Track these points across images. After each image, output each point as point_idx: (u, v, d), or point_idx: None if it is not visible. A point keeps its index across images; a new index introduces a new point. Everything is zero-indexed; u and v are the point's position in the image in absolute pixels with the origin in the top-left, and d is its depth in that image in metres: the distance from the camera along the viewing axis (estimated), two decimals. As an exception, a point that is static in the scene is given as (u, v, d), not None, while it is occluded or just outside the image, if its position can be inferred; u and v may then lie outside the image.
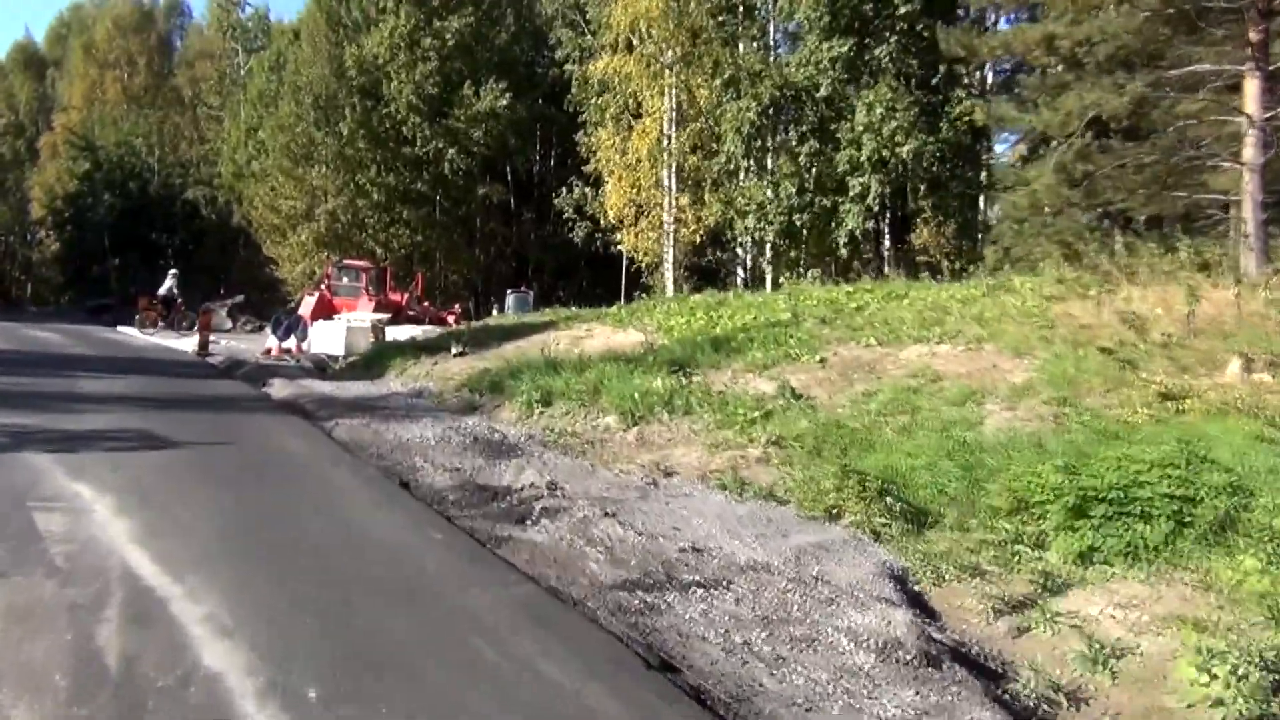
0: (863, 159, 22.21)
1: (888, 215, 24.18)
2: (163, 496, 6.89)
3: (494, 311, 35.99)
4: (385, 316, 25.89)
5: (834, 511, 7.29)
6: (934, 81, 23.25)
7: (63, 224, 54.93)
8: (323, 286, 27.78)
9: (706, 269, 35.65)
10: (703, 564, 6.02)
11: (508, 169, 46.86)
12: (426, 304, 31.27)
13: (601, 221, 33.01)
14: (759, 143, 24.05)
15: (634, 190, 27.56)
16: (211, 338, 23.75)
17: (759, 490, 8.00)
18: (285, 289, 41.46)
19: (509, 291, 36.90)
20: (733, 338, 14.54)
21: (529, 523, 6.93)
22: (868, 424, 9.72)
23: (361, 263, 30.59)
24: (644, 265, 31.65)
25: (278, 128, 40.07)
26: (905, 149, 21.72)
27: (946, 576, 6.11)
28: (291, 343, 22.19)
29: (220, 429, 10.40)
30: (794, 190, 23.49)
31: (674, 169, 27.43)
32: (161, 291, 31.69)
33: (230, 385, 15.53)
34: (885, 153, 22.00)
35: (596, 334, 17.27)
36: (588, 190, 33.53)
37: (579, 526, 6.75)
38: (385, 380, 16.45)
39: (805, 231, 24.04)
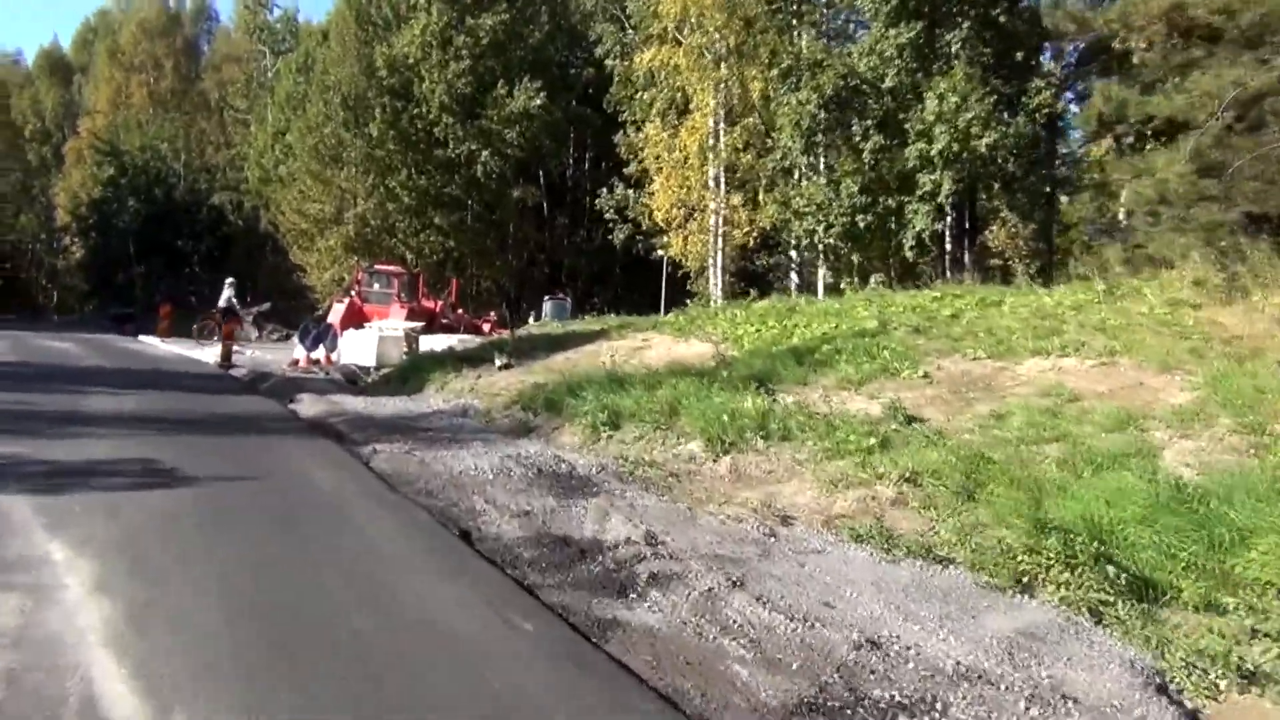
0: (934, 153, 20.48)
1: (954, 215, 22.40)
2: (159, 562, 5.32)
3: (530, 319, 34.46)
4: (419, 325, 24.42)
5: (1024, 579, 5.63)
6: (1008, 69, 21.51)
7: (87, 230, 53.94)
8: (352, 293, 26.34)
9: (752, 274, 34.04)
10: (892, 668, 4.38)
11: (540, 172, 45.46)
12: (461, 311, 29.80)
13: (644, 224, 31.48)
14: (819, 138, 22.37)
15: (683, 190, 25.91)
16: (235, 347, 22.33)
17: (910, 545, 6.34)
18: (313, 296, 40.15)
19: (546, 298, 35.38)
20: (815, 349, 12.89)
21: (635, 596, 5.30)
22: (1012, 455, 8.06)
23: (393, 268, 29.14)
24: (691, 270, 30.04)
25: (306, 129, 38.77)
26: (983, 141, 19.99)
27: (1221, 684, 4.44)
28: (320, 353, 20.72)
29: (240, 458, 8.84)
30: (857, 189, 21.78)
31: (725, 167, 25.78)
32: (221, 303, 30.31)
33: (253, 402, 14.00)
34: (959, 146, 20.26)
35: (655, 344, 15.66)
36: (630, 192, 32.02)
37: (703, 604, 5.12)
38: (424, 396, 14.89)
39: (870, 234, 22.32)
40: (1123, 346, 11.02)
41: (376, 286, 27.32)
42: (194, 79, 61.66)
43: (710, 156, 25.35)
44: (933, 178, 20.91)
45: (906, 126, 21.20)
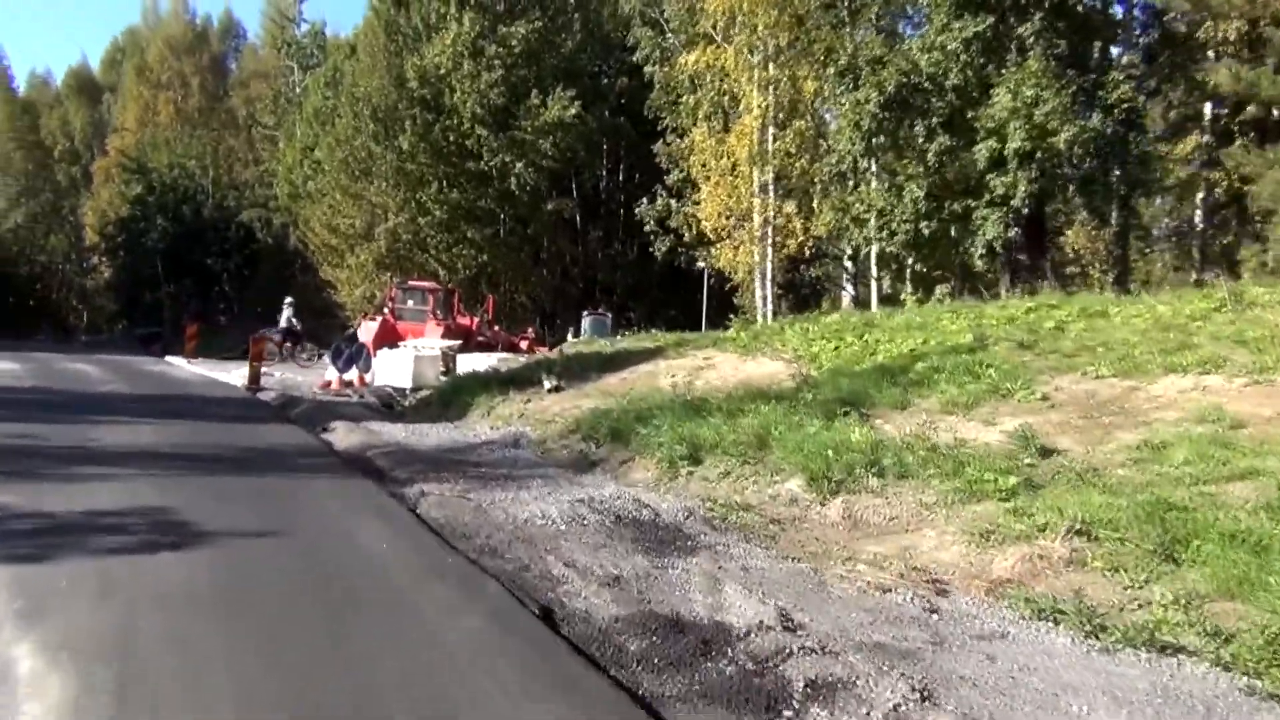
0: (1009, 151, 19.04)
1: (1025, 220, 20.92)
2: (157, 678, 3.99)
3: (568, 336, 33.19)
4: (456, 343, 23.21)
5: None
6: (1082, 62, 20.07)
7: (115, 250, 53.25)
8: (385, 310, 25.18)
9: (799, 287, 32.64)
10: None
11: (573, 185, 44.32)
12: (498, 329, 28.57)
13: (686, 235, 30.18)
14: (880, 139, 20.97)
15: (731, 198, 24.56)
16: (264, 369, 21.17)
17: (1123, 629, 4.93)
18: (344, 314, 39.08)
19: (585, 314, 34.07)
20: (907, 367, 11.49)
21: (793, 717, 3.93)
22: (1195, 498, 6.63)
23: (428, 284, 27.97)
24: (739, 283, 28.71)
25: (335, 142, 37.81)
26: (1061, 137, 18.54)
27: None
28: (353, 374, 19.52)
29: (266, 508, 7.55)
30: (922, 193, 20.35)
31: (775, 173, 24.42)
32: (281, 323, 29.32)
33: (283, 431, 12.74)
34: (1035, 144, 18.82)
35: (719, 363, 14.30)
36: (671, 202, 30.73)
37: (893, 732, 3.75)
38: (469, 422, 13.60)
39: (936, 240, 20.89)
40: (1275, 362, 9.56)
41: (410, 303, 26.15)
42: (221, 96, 61.07)
43: (759, 162, 23.94)
44: (1004, 179, 19.46)
45: (975, 125, 19.77)
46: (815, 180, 23.57)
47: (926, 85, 20.29)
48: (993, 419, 9.32)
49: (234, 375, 21.06)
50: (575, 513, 7.44)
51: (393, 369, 20.10)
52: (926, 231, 20.71)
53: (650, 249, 50.80)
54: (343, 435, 12.17)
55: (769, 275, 25.59)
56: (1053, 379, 10.38)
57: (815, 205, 23.29)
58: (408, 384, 19.67)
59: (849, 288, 25.17)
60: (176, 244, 49.35)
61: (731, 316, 30.99)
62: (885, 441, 8.50)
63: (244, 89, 59.90)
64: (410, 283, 28.05)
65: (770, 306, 26.01)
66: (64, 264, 65.92)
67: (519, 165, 37.36)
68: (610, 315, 34.51)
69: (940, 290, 20.79)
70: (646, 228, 31.03)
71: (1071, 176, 19.59)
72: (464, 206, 37.68)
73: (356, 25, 54.91)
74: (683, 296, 49.38)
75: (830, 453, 8.13)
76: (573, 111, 37.31)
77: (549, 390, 14.13)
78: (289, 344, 28.48)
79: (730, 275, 29.30)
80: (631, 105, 45.38)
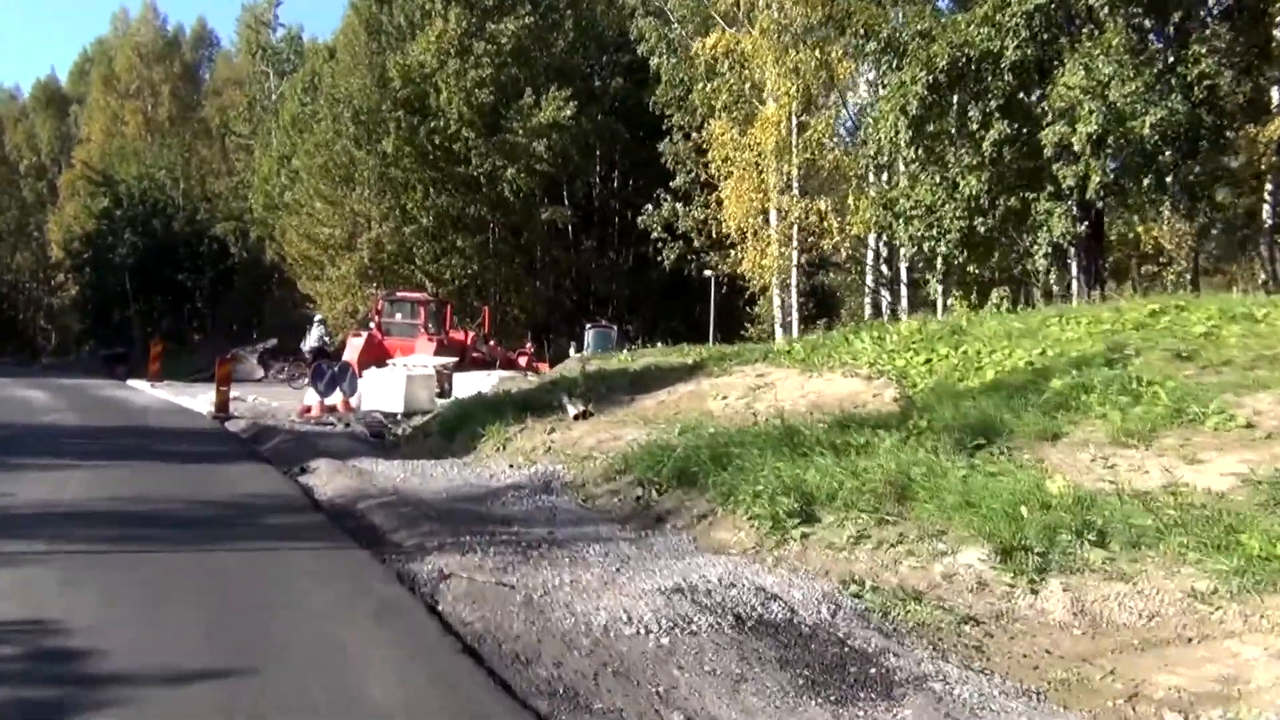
0: (1079, 138, 16.79)
1: (1092, 215, 18.71)
2: None
3: (570, 351, 30.76)
4: (451, 360, 20.83)
5: None
6: (1161, 36, 17.91)
7: (81, 266, 50.46)
8: (371, 325, 22.72)
9: (816, 294, 30.32)
10: None
11: (564, 192, 41.97)
12: (494, 344, 26.15)
13: (696, 240, 27.90)
14: (929, 126, 18.70)
15: (759, 194, 22.19)
16: (234, 393, 18.67)
17: None
18: (324, 329, 36.50)
19: (588, 327, 31.74)
20: (1035, 385, 9.13)
21: None
22: None
23: (418, 294, 25.57)
24: (756, 291, 26.43)
25: (314, 146, 35.33)
26: (1145, 120, 16.31)
27: None
28: (337, 398, 17.07)
29: (220, 614, 5.11)
30: (981, 186, 18.08)
31: (805, 165, 22.09)
32: (312, 343, 26.72)
33: (252, 474, 10.27)
34: (1111, 129, 16.60)
35: (778, 381, 11.92)
36: (678, 205, 28.45)
37: None
38: (482, 458, 11.17)
39: (992, 239, 18.65)
40: None
41: (399, 316, 23.73)
42: (194, 105, 58.48)
43: (787, 154, 21.54)
44: (1074, 169, 17.25)
45: (1039, 108, 17.56)
46: (851, 174, 21.28)
47: (981, 63, 18.03)
48: (1192, 454, 6.99)
49: (200, 400, 18.56)
50: (674, 611, 5.04)
51: (381, 391, 17.67)
52: (983, 229, 18.44)
53: (650, 257, 48.72)
54: (326, 478, 9.74)
55: (794, 281, 23.23)
56: (1242, 399, 8.05)
57: (850, 201, 20.99)
58: (399, 408, 17.26)
59: (886, 294, 22.78)
60: (146, 259, 46.69)
61: (747, 327, 28.80)
62: (1090, 493, 6.14)
63: (217, 97, 57.32)
64: (399, 294, 25.64)
65: (795, 315, 23.67)
66: (30, 283, 63.07)
67: (510, 170, 35.02)
68: (615, 327, 32.12)
69: (996, 295, 18.51)
70: (654, 234, 28.66)
71: (1151, 165, 17.32)
72: (452, 214, 35.33)
73: (335, 30, 52.47)
74: (684, 307, 47.08)
75: (1024, 511, 5.76)
76: (568, 112, 35.04)
77: (575, 416, 11.72)
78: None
79: (746, 283, 27.01)
80: (627, 108, 43.13)
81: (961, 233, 18.44)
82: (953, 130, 19.25)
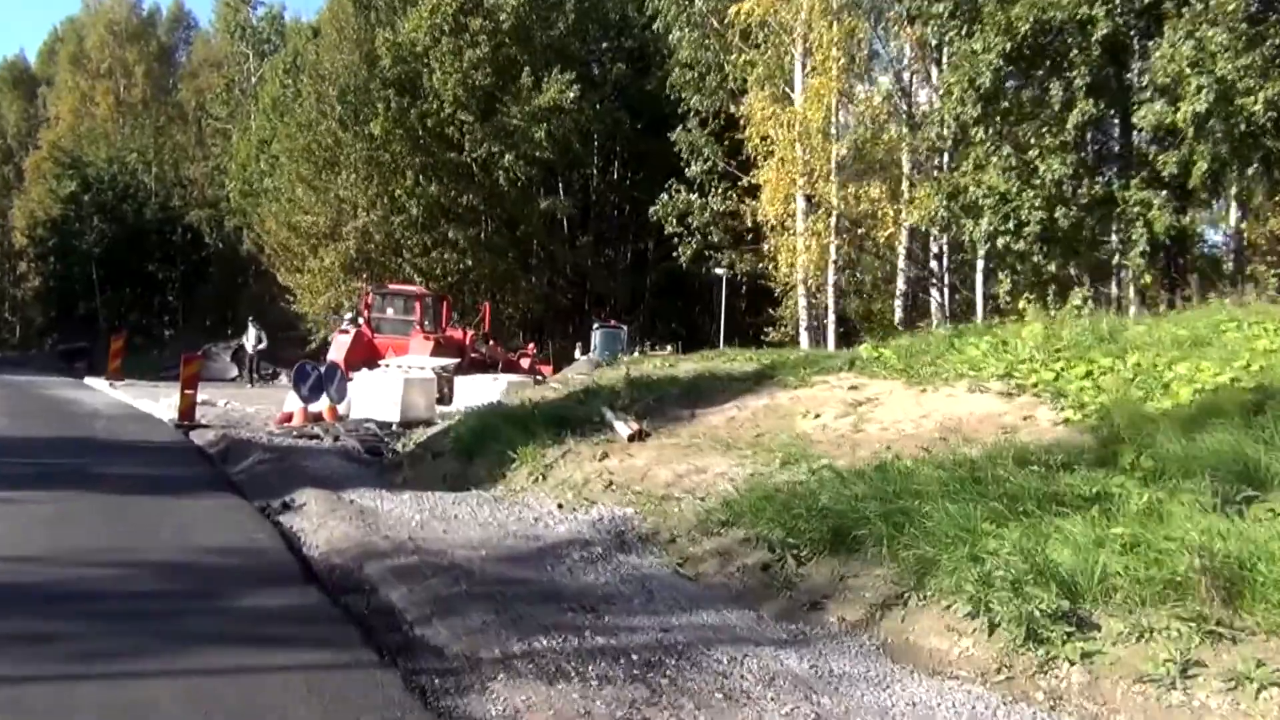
0: (1183, 118, 14.57)
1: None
2: None
3: (576, 353, 28.38)
4: (453, 362, 18.39)
5: None
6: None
7: (45, 255, 47.49)
8: (360, 320, 20.23)
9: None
10: None
11: (565, 181, 39.53)
12: (495, 343, 23.69)
13: (714, 235, 25.58)
14: (1002, 102, 16.43)
15: (801, 178, 19.77)
16: (203, 396, 16.14)
17: None
18: (304, 327, 33.94)
19: (595, 326, 29.33)
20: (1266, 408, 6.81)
21: None
22: None
23: (412, 288, 23.09)
24: (782, 289, 24.12)
25: (297, 127, 32.73)
26: (1260, 97, 14.12)
27: None
28: (323, 404, 14.56)
29: None
30: (1063, 170, 15.83)
31: (856, 146, 19.71)
32: (252, 345, 24.84)
33: (217, 513, 7.80)
34: (1221, 107, 14.39)
35: (881, 395, 9.55)
36: (693, 197, 26.12)
37: None
38: (516, 488, 8.74)
39: (1075, 233, 16.39)
40: None
41: (390, 312, 21.26)
42: (169, 88, 55.60)
43: (834, 133, 19.07)
44: (1176, 154, 15.03)
45: (1137, 81, 15.33)
46: (907, 156, 18.98)
47: (1067, 31, 15.78)
48: None
49: (164, 404, 16.00)
50: None
51: (374, 397, 15.17)
52: (1065, 221, 16.17)
53: (648, 255, 46.42)
54: (317, 519, 7.31)
55: (831, 279, 20.88)
56: None
57: (905, 188, 18.70)
58: (395, 417, 14.79)
59: (935, 295, 20.44)
60: (114, 248, 43.91)
61: (767, 331, 26.46)
62: None
63: (193, 79, 54.45)
64: (391, 287, 23.14)
65: (831, 318, 21.33)
66: (-7, 272, 60.01)
67: (508, 157, 32.57)
68: (625, 328, 29.70)
69: (1077, 296, 16.23)
70: (667, 229, 26.26)
71: (1258, 148, 15.15)
72: (444, 203, 32.79)
73: (320, 10, 49.82)
74: (682, 308, 44.69)
75: None
76: (571, 95, 32.60)
77: (629, 437, 9.30)
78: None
79: (772, 281, 24.72)
80: (628, 96, 40.79)
81: (1042, 225, 16.15)
82: (1028, 109, 17.01)
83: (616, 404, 10.87)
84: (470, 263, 32.99)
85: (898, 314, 25.32)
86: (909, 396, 9.37)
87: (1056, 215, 16.12)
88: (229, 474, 9.81)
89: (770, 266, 25.15)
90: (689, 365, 14.31)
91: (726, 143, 28.10)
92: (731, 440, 8.91)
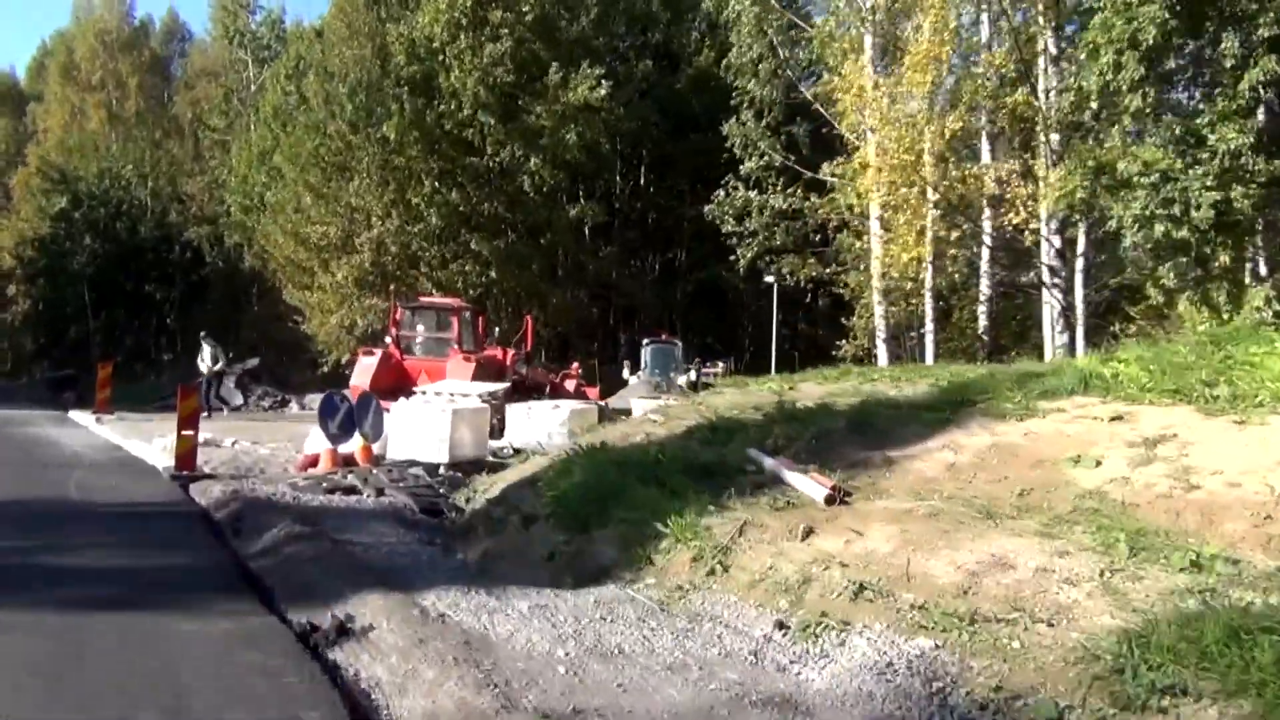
0: None
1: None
2: None
3: (624, 373, 25.50)
4: (502, 388, 15.55)
5: None
6: None
7: (34, 276, 44.62)
8: (388, 339, 17.40)
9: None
10: None
11: (579, 190, 36.66)
12: (539, 367, 20.86)
13: (779, 236, 22.85)
14: (1168, 63, 13.63)
15: (911, 160, 16.85)
16: (207, 434, 13.24)
17: None
18: (315, 349, 31.05)
19: (645, 342, 26.46)
20: None
21: None
22: None
23: (447, 300, 20.21)
24: (854, 295, 21.33)
25: (304, 130, 29.92)
26: None
27: None
28: (355, 443, 11.69)
29: None
30: (1242, 141, 13.02)
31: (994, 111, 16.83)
32: (207, 367, 20.77)
33: (236, 643, 4.94)
34: None
35: (1176, 430, 6.66)
36: (752, 194, 23.43)
37: None
38: (674, 581, 5.82)
39: (1249, 221, 13.57)
40: None
41: (422, 329, 18.39)
42: (164, 101, 52.84)
43: (948, 102, 16.06)
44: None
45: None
46: (1046, 129, 16.11)
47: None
48: None
49: (158, 446, 13.12)
50: None
51: (415, 433, 12.31)
52: (1243, 203, 13.33)
53: (677, 264, 43.59)
54: (400, 666, 4.48)
55: (930, 280, 17.97)
56: None
57: (1039, 167, 15.86)
58: (442, 457, 11.99)
59: (1052, 301, 17.44)
60: (108, 268, 41.09)
61: (840, 344, 23.60)
62: None
63: (189, 90, 51.71)
64: (423, 300, 20.26)
65: (930, 327, 18.46)
66: (-19, 297, 57.02)
67: (533, 160, 29.79)
68: (679, 343, 26.84)
69: (1258, 295, 13.44)
70: (725, 229, 23.54)
71: None
72: (464, 211, 29.99)
73: (324, 11, 47.07)
74: (715, 320, 41.75)
75: None
76: (602, 93, 29.81)
77: (825, 500, 6.42)
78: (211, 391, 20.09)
79: (845, 287, 21.94)
80: (655, 95, 38.12)
81: (1216, 208, 13.30)
82: (1190, 71, 14.21)
83: (772, 442, 8.04)
84: (495, 274, 30.14)
85: (981, 323, 22.47)
86: (1222, 431, 6.50)
87: (1233, 196, 13.28)
88: (246, 558, 6.92)
89: (839, 272, 22.40)
90: (811, 388, 11.43)
91: (784, 136, 25.47)
92: (988, 504, 6.05)
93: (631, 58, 37.75)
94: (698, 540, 6.08)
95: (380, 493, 9.65)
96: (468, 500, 9.60)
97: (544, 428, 14.34)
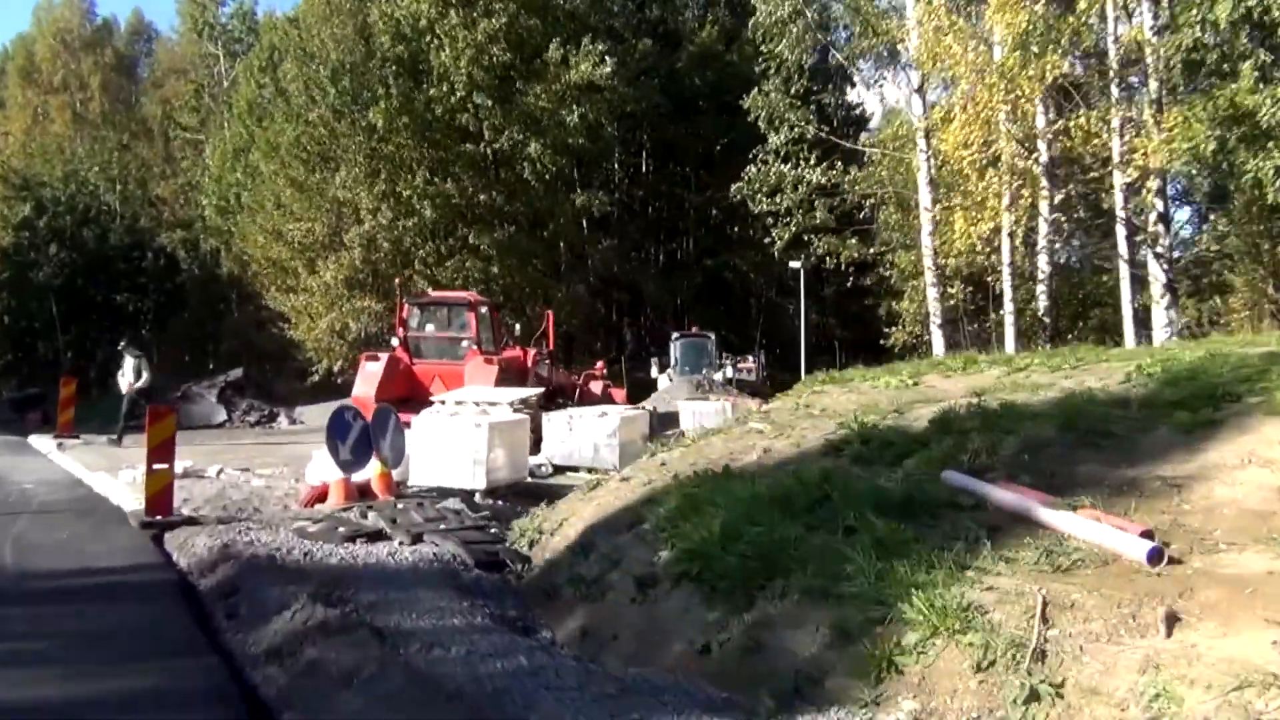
0: None
1: None
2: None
3: (653, 371, 23.23)
4: (534, 393, 13.30)
5: None
6: None
7: (-3, 290, 41.90)
8: (394, 341, 15.10)
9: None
10: None
11: (577, 177, 34.37)
12: (561, 368, 18.60)
13: (820, 214, 20.64)
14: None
15: (1005, 107, 14.54)
16: (185, 461, 10.89)
17: None
18: (303, 357, 28.65)
19: (675, 337, 24.21)
20: None
21: None
22: None
23: (461, 294, 17.87)
24: (900, 282, 19.12)
25: (284, 118, 27.50)
26: None
27: None
28: (372, 470, 9.34)
29: None
30: None
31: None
32: (129, 383, 16.57)
33: None
34: None
35: None
36: (784, 167, 21.25)
37: None
38: (946, 711, 3.54)
39: None
40: None
41: (431, 329, 16.05)
42: (131, 102, 50.20)
43: (1040, 45, 13.70)
44: None
45: None
46: (1156, 73, 13.91)
47: None
48: None
49: (125, 479, 10.75)
50: None
51: (442, 454, 10.04)
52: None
53: (682, 255, 41.39)
54: None
55: (1008, 257, 15.75)
56: None
57: (1148, 117, 13.68)
58: (479, 483, 9.78)
59: (1161, 276, 15.18)
60: (76, 278, 38.32)
61: (888, 331, 21.36)
62: None
63: (157, 89, 49.18)
64: (433, 295, 17.94)
65: (1010, 310, 16.25)
66: (-55, 314, 54.14)
67: (533, 145, 27.50)
68: (711, 337, 24.60)
69: None
70: (759, 207, 21.35)
71: None
72: (460, 203, 27.67)
73: (296, 5, 44.54)
74: (724, 313, 39.48)
75: None
76: (607, 70, 27.56)
77: (1149, 559, 4.16)
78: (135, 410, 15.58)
79: (892, 269, 19.73)
80: (656, 76, 35.96)
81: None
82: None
83: (961, 461, 5.79)
84: (496, 270, 27.81)
85: (1041, 303, 20.23)
86: None
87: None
88: (246, 664, 4.60)
89: (883, 252, 20.17)
90: (938, 381, 9.19)
91: (814, 106, 23.28)
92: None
93: (629, 36, 35.54)
94: (972, 631, 3.81)
95: (418, 539, 7.33)
96: (531, 544, 7.32)
97: (589, 440, 12.13)
